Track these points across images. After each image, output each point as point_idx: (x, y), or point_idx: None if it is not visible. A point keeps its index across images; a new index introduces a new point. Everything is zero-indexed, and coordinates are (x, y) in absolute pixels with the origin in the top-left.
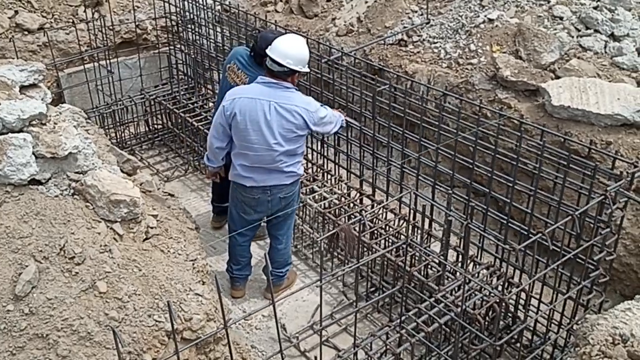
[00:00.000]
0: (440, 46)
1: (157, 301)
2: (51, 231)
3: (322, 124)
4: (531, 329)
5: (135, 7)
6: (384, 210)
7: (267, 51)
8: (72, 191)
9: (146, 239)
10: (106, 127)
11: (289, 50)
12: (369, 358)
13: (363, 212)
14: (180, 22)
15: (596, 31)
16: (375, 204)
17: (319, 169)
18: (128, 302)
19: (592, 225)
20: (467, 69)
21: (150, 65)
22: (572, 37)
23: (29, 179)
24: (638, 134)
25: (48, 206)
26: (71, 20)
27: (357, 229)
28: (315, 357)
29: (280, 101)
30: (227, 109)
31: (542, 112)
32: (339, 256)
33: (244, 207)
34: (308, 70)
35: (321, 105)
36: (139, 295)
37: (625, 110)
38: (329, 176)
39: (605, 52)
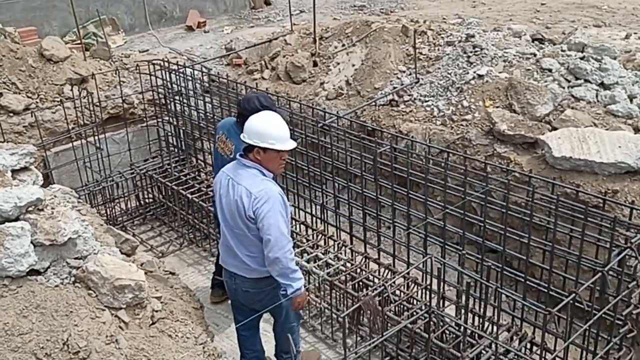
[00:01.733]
0: (432, 104)
1: None
2: (53, 325)
3: (265, 228)
4: None
5: (121, 82)
6: (392, 273)
7: None
8: (72, 279)
9: (152, 323)
10: (96, 205)
11: (248, 122)
12: None
13: (385, 283)
14: (167, 94)
15: (586, 81)
16: (383, 269)
17: (320, 235)
18: None
19: (615, 279)
20: (462, 125)
21: (139, 139)
22: (563, 88)
23: (27, 270)
24: None
25: (48, 297)
26: (58, 99)
27: (378, 300)
28: None
29: (235, 178)
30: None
31: (543, 164)
32: (349, 325)
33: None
34: (259, 144)
35: (288, 239)
36: None
37: (629, 158)
38: (332, 242)
39: (598, 101)
